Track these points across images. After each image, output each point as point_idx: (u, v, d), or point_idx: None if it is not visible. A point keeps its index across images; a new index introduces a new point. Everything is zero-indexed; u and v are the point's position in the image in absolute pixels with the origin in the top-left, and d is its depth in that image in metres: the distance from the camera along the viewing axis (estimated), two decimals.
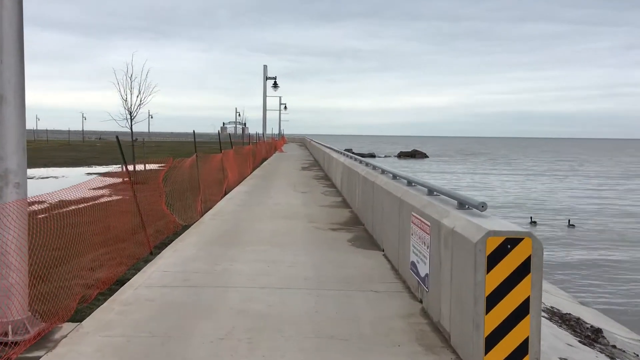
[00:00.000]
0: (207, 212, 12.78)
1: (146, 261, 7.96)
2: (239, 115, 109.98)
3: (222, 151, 17.25)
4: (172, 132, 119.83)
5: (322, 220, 11.84)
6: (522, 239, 4.36)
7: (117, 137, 8.32)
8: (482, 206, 4.96)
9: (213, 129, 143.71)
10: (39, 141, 70.24)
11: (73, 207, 10.23)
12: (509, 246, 4.37)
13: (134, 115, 19.95)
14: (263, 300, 6.06)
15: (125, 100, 19.82)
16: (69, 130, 73.63)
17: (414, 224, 6.57)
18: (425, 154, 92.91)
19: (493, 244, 4.36)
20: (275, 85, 43.02)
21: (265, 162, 34.41)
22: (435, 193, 6.68)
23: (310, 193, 17.30)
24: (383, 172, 10.46)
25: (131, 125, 20.23)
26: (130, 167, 21.28)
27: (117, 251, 8.18)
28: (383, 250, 8.81)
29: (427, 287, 5.91)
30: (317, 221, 11.76)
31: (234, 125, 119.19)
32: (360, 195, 12.28)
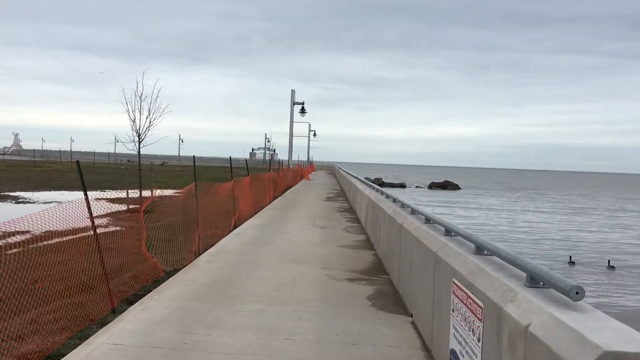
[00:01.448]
0: (206, 251, 10.98)
1: (103, 323, 6.17)
2: (268, 141, 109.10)
3: (234, 179, 15.54)
4: (202, 157, 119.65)
5: (339, 266, 9.92)
6: None
7: (77, 162, 6.64)
8: (577, 293, 3.02)
9: (244, 154, 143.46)
10: (64, 162, 70.13)
11: (56, 241, 8.62)
12: None
13: (142, 137, 18.49)
14: None
15: (134, 121, 18.38)
16: (94, 152, 73.44)
17: (456, 295, 4.63)
18: (457, 185, 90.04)
19: None
20: (302, 110, 41.47)
21: (288, 191, 32.69)
22: (486, 252, 4.75)
23: (331, 229, 15.41)
24: (413, 212, 8.54)
25: (139, 148, 18.70)
26: (138, 193, 19.79)
27: (70, 307, 6.43)
28: (411, 316, 6.84)
29: None
30: (333, 267, 9.85)
31: (263, 151, 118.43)
32: (385, 237, 10.35)
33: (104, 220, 15.35)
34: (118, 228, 13.83)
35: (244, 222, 16.10)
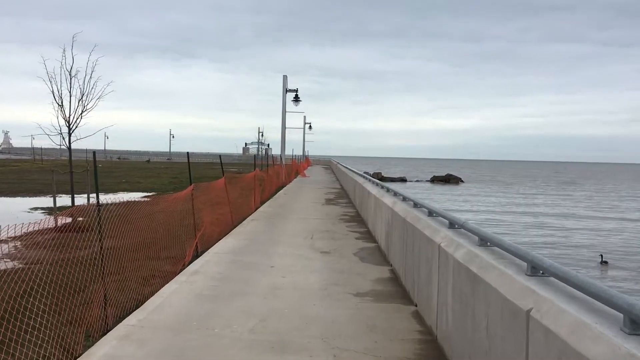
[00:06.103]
0: (120, 322, 6.23)
1: None
2: (262, 135, 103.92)
3: (193, 185, 10.81)
4: (193, 153, 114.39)
5: (363, 356, 5.24)
6: None
7: None
8: None
9: (237, 149, 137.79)
10: (36, 162, 64.69)
11: None
12: None
13: (73, 127, 13.62)
14: None
15: (61, 106, 13.50)
16: (85, 150, 67.33)
17: None
18: (460, 178, 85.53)
19: None
20: (296, 98, 36.63)
21: (281, 191, 27.96)
22: None
23: (337, 254, 10.73)
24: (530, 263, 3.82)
25: (69, 141, 13.81)
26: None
27: None
28: None
29: None
30: (350, 357, 5.17)
31: (257, 146, 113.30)
32: (450, 297, 5.65)
33: (13, 246, 10.35)
34: (16, 264, 9.06)
35: (214, 244, 11.40)
